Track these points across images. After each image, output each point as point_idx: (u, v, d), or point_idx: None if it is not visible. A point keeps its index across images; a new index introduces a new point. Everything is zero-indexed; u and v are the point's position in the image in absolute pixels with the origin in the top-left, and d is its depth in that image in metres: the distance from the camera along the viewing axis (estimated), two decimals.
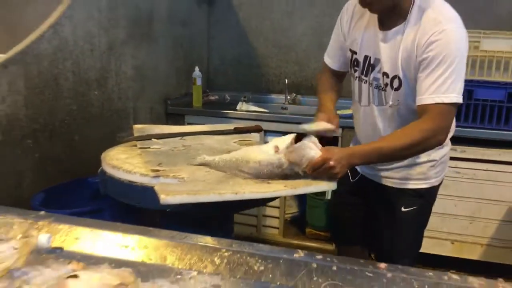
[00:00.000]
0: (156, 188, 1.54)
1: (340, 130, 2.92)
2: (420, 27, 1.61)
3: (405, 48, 1.64)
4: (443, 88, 1.56)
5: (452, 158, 2.89)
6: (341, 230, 2.17)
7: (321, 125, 1.73)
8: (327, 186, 1.58)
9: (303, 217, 3.48)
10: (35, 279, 0.77)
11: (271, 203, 3.16)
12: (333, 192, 2.04)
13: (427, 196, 1.87)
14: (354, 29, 1.84)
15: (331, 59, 1.99)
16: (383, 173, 1.89)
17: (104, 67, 2.63)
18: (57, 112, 2.32)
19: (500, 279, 1.04)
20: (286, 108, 3.70)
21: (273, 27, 3.82)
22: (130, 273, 0.86)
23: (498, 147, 2.83)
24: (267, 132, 3.15)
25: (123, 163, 1.84)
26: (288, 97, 3.73)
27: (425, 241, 2.01)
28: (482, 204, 2.91)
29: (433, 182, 1.86)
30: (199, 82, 3.49)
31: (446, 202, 2.93)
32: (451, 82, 1.56)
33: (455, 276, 1.06)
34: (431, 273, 1.08)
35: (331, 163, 1.54)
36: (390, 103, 1.73)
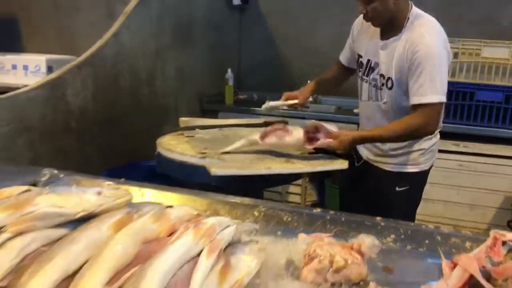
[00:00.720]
0: (206, 164, 1.94)
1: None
2: (410, 39, 2.01)
3: (398, 55, 2.04)
4: (427, 91, 1.94)
5: (454, 152, 3.27)
6: (347, 206, 2.54)
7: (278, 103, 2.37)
8: (340, 165, 1.97)
9: (322, 204, 3.85)
10: (144, 209, 1.17)
11: (293, 191, 3.55)
12: (342, 174, 2.44)
13: (418, 179, 2.26)
14: (362, 37, 2.25)
15: (343, 55, 2.47)
16: (382, 159, 2.27)
17: (152, 68, 3.05)
18: (116, 106, 2.76)
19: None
20: (308, 107, 4.07)
21: (298, 32, 4.20)
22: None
23: (496, 143, 3.17)
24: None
25: (175, 147, 2.25)
26: (311, 98, 4.10)
27: None
28: (481, 194, 3.26)
29: (423, 167, 2.25)
30: (231, 82, 3.90)
31: (449, 191, 3.28)
32: (433, 86, 1.94)
33: (445, 230, 1.43)
34: (417, 224, 1.46)
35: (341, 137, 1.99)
36: (385, 100, 2.14)
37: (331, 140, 2.02)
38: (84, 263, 0.96)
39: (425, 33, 1.98)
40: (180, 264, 0.96)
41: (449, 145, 3.25)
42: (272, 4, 4.26)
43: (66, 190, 1.14)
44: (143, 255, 0.99)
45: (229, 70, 3.89)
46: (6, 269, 0.95)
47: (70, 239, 1.01)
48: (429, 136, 2.18)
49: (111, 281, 0.91)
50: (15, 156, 2.08)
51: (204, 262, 0.99)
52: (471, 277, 1.14)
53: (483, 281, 1.12)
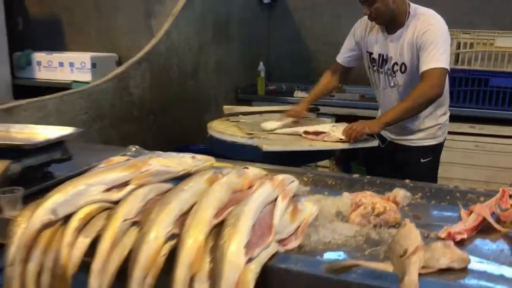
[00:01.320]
0: (256, 143, 2.27)
1: None
2: (417, 26, 2.35)
3: (408, 42, 2.38)
4: (434, 59, 2.27)
5: (471, 134, 3.54)
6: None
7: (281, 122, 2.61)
8: (372, 143, 2.28)
9: None
10: (224, 171, 1.49)
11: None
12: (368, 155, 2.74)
13: (437, 150, 2.60)
14: (369, 36, 2.57)
15: (341, 57, 2.79)
16: (405, 137, 2.59)
17: (196, 62, 3.38)
18: (167, 96, 3.09)
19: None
20: (333, 96, 4.37)
21: (323, 27, 4.49)
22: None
23: (509, 125, 3.44)
24: (319, 114, 3.84)
25: (225, 130, 2.58)
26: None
27: None
28: (495, 171, 3.53)
29: (440, 139, 2.60)
30: (262, 74, 4.21)
31: (467, 170, 3.55)
32: (439, 55, 2.27)
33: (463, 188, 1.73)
34: (440, 184, 1.76)
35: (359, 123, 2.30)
36: (401, 83, 2.45)
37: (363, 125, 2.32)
38: (192, 206, 1.28)
39: (430, 19, 2.36)
40: (263, 205, 1.28)
41: (466, 127, 3.52)
42: (298, 1, 4.55)
43: (169, 155, 1.47)
44: (233, 200, 1.31)
45: (261, 63, 4.19)
46: (137, 210, 1.29)
47: (180, 189, 1.34)
48: (443, 112, 2.54)
49: (215, 215, 1.23)
50: (90, 140, 2.42)
51: (280, 204, 1.31)
52: (484, 219, 1.45)
53: (493, 222, 1.42)
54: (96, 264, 1.19)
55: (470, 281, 1.13)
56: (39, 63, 4.85)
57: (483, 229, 1.44)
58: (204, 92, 3.52)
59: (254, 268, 1.12)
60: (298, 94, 4.22)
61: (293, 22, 4.59)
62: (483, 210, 1.47)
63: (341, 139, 2.28)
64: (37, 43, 5.09)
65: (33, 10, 5.30)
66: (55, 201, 1.28)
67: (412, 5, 2.44)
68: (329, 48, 4.50)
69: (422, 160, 2.53)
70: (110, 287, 1.18)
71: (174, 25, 3.08)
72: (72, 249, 1.24)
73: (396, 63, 2.46)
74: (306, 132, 2.36)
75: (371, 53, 2.58)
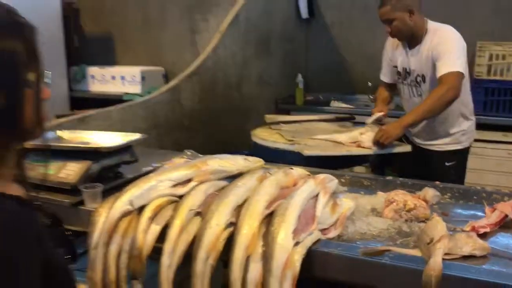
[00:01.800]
0: (297, 148, 2.46)
1: None
2: (432, 40, 2.55)
3: (426, 55, 2.56)
4: (449, 64, 2.44)
5: (504, 142, 3.62)
6: None
7: (375, 116, 2.71)
8: (404, 149, 2.44)
9: None
10: (273, 171, 1.69)
11: None
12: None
13: (461, 154, 2.73)
14: (395, 52, 2.78)
15: (383, 75, 2.98)
16: (431, 142, 2.73)
17: (240, 75, 3.61)
18: (214, 107, 3.33)
19: None
20: (368, 105, 4.51)
21: (358, 40, 4.65)
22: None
23: None
24: (355, 123, 3.99)
25: (268, 137, 2.78)
26: (371, 97, 4.54)
27: None
28: None
29: (464, 144, 2.72)
30: (300, 85, 4.40)
31: (500, 177, 3.63)
32: (454, 60, 2.44)
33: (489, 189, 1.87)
34: (467, 186, 1.91)
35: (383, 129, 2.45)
36: (425, 93, 2.62)
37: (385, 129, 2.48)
38: (246, 199, 1.49)
39: (444, 32, 2.55)
40: (307, 199, 1.47)
41: (499, 136, 3.61)
42: (335, 16, 4.73)
43: (224, 156, 1.68)
44: (281, 195, 1.51)
45: (299, 75, 4.39)
46: (199, 202, 1.50)
47: (235, 185, 1.55)
48: (467, 118, 2.69)
49: (267, 207, 1.43)
50: (149, 146, 2.67)
51: (322, 199, 1.50)
52: (506, 216, 1.59)
53: None
54: (167, 246, 1.40)
55: (489, 266, 1.28)
56: (93, 76, 5.18)
57: (506, 225, 1.59)
58: (247, 103, 3.74)
59: (300, 251, 1.31)
60: (335, 104, 4.39)
61: (330, 36, 4.77)
62: (506, 207, 1.62)
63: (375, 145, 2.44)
64: (91, 59, 5.43)
65: (87, 28, 5.65)
66: (132, 194, 1.51)
67: (430, 22, 2.64)
68: (364, 60, 4.67)
69: (446, 164, 2.66)
70: (178, 265, 1.40)
71: (220, 42, 3.32)
72: (146, 235, 1.46)
73: (418, 75, 2.66)
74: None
75: (396, 67, 2.80)
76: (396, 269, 1.26)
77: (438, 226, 1.38)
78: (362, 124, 3.87)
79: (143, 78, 4.90)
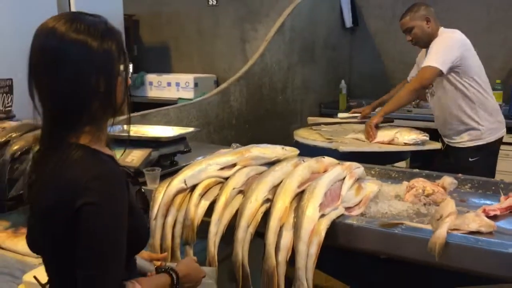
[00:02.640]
0: (334, 146, 2.67)
1: None
2: None
3: None
4: (429, 59, 2.66)
5: None
6: None
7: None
8: (434, 146, 2.61)
9: None
10: (305, 159, 1.92)
11: None
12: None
13: (484, 150, 2.82)
14: (422, 59, 2.95)
15: (410, 76, 3.27)
16: (456, 139, 2.87)
17: (285, 80, 3.86)
18: (260, 109, 3.59)
19: None
20: (411, 111, 4.63)
21: (400, 49, 4.78)
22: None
23: None
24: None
25: (308, 136, 3.01)
26: (413, 102, 4.66)
27: None
28: None
29: (487, 140, 2.82)
30: (344, 91, 4.60)
31: None
32: (434, 56, 2.66)
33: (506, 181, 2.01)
34: (486, 178, 2.06)
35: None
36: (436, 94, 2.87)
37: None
38: (281, 181, 1.73)
39: (442, 34, 2.79)
40: (334, 181, 1.70)
41: None
42: (378, 26, 4.90)
43: (265, 146, 1.93)
44: (312, 178, 1.73)
45: (343, 81, 4.58)
46: (242, 182, 1.76)
47: (273, 169, 1.79)
48: (484, 116, 2.81)
49: (299, 187, 1.66)
50: (200, 141, 2.96)
51: (347, 181, 1.72)
52: None
53: None
54: (214, 217, 1.67)
55: (491, 239, 1.45)
56: (150, 83, 5.57)
57: None
58: (291, 106, 3.98)
59: (326, 222, 1.53)
60: (377, 109, 4.54)
61: (373, 44, 4.94)
62: None
63: (405, 143, 2.62)
64: (149, 66, 5.83)
65: (146, 39, 6.07)
66: (186, 175, 1.79)
67: (441, 29, 2.84)
68: (405, 67, 4.78)
69: (470, 160, 2.79)
70: (223, 233, 1.66)
71: (267, 49, 3.58)
72: (197, 208, 1.73)
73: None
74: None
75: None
76: (407, 238, 1.46)
77: (448, 206, 1.56)
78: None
79: (196, 84, 5.26)
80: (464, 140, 2.84)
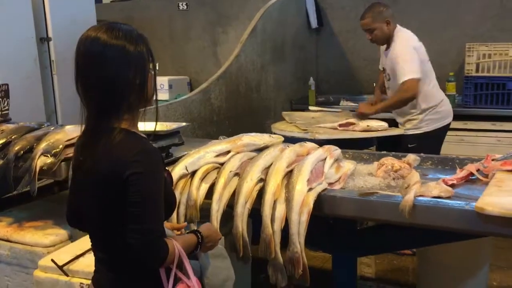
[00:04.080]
0: (310, 136, 2.94)
1: None
2: (392, 48, 3.16)
3: (389, 59, 3.15)
4: (406, 71, 2.99)
5: (493, 131, 4.04)
6: None
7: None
8: (399, 131, 2.92)
9: None
10: (289, 144, 2.17)
11: None
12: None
13: (421, 138, 3.17)
14: (380, 52, 3.33)
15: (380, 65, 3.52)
16: (402, 127, 3.26)
17: (259, 79, 4.11)
18: (237, 106, 3.83)
19: None
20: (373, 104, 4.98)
21: (363, 46, 5.09)
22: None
23: None
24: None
25: (285, 128, 3.27)
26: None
27: None
28: None
29: (424, 129, 3.20)
30: (312, 87, 4.88)
31: None
32: (407, 68, 2.99)
33: (462, 157, 2.33)
34: (444, 155, 2.36)
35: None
36: (389, 87, 3.22)
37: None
38: (271, 163, 1.97)
39: (398, 42, 3.14)
40: (317, 161, 1.95)
41: (489, 125, 4.03)
42: (341, 26, 5.21)
43: (255, 134, 2.17)
44: (297, 159, 1.98)
45: (311, 78, 4.86)
46: (237, 166, 1.99)
47: (262, 154, 2.03)
48: (422, 110, 3.16)
49: (287, 167, 1.91)
50: (187, 137, 3.17)
51: (329, 160, 1.98)
52: (471, 173, 2.04)
53: (476, 173, 2.01)
54: (215, 196, 1.89)
55: (449, 200, 1.73)
56: None
57: (472, 181, 2.03)
58: (265, 103, 4.23)
59: (313, 194, 1.79)
60: (344, 103, 4.85)
61: (338, 43, 5.25)
62: (471, 167, 2.07)
63: (368, 126, 2.92)
64: None
65: None
66: (186, 162, 2.01)
67: (397, 27, 3.19)
68: (368, 63, 5.12)
69: (409, 146, 3.13)
70: (223, 210, 1.89)
71: (242, 51, 3.82)
72: (198, 191, 1.95)
73: (387, 73, 3.25)
74: (340, 125, 3.03)
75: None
76: (382, 204, 1.73)
77: (414, 176, 1.85)
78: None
79: (170, 86, 5.44)
80: (407, 128, 3.21)
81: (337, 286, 2.22)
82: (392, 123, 3.33)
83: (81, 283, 1.98)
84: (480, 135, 4.06)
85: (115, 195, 1.29)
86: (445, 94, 4.18)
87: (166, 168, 1.50)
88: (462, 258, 2.43)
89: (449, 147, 4.06)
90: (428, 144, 3.18)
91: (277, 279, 1.79)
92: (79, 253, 2.09)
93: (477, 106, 4.07)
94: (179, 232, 1.58)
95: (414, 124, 3.22)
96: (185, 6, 5.90)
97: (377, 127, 2.94)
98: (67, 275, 2.04)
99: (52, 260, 2.05)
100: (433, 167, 2.28)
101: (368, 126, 2.93)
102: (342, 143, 2.90)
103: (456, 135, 4.13)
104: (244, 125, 3.90)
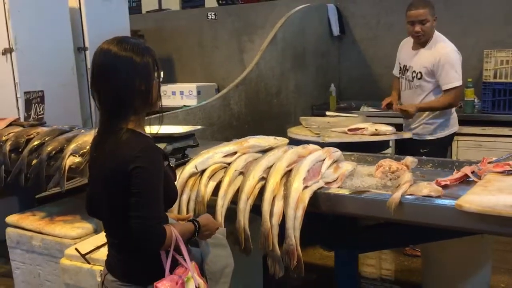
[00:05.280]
0: (321, 139, 3.06)
1: None
2: (436, 50, 3.18)
3: (426, 58, 3.19)
4: (452, 79, 3.08)
5: (510, 136, 4.03)
6: None
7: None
8: (407, 135, 3.00)
9: None
10: (294, 146, 2.30)
11: None
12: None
13: (435, 144, 3.25)
14: (401, 53, 3.46)
15: (395, 69, 3.64)
16: (414, 131, 3.31)
17: (279, 85, 4.25)
18: (257, 111, 3.98)
19: None
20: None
21: (384, 54, 5.17)
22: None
23: None
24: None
25: (300, 133, 3.40)
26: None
27: None
28: None
29: (438, 135, 3.27)
30: (334, 93, 4.98)
31: None
32: (453, 75, 3.08)
33: (461, 159, 2.40)
34: (445, 159, 2.44)
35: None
36: (417, 84, 3.27)
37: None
38: (273, 163, 2.11)
39: (443, 45, 3.17)
40: (316, 161, 2.08)
41: (507, 130, 4.03)
42: (363, 33, 5.30)
43: (260, 136, 2.32)
44: (298, 160, 2.12)
45: (332, 85, 4.97)
46: (242, 166, 2.14)
47: (266, 155, 2.17)
48: (430, 117, 3.26)
49: (287, 166, 2.05)
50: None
51: (327, 161, 2.10)
52: (466, 175, 2.12)
53: (470, 175, 2.09)
54: (221, 193, 2.05)
55: (435, 199, 1.82)
56: None
57: (470, 182, 2.10)
58: (285, 108, 4.37)
59: (308, 192, 1.92)
60: (364, 109, 4.93)
61: (360, 50, 5.33)
62: (466, 169, 2.15)
63: (376, 130, 3.01)
64: None
65: None
66: (196, 161, 2.18)
67: (436, 32, 3.25)
68: (389, 70, 5.13)
69: (421, 151, 3.19)
70: (228, 206, 2.04)
71: (262, 58, 3.98)
72: (206, 188, 2.11)
73: (414, 71, 3.28)
74: (349, 130, 3.13)
75: (400, 64, 3.50)
76: (371, 201, 1.84)
77: (405, 176, 1.95)
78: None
79: (198, 92, 5.66)
80: (419, 133, 3.29)
81: (339, 282, 2.33)
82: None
83: (101, 270, 2.16)
84: (498, 140, 4.07)
85: (121, 186, 1.47)
86: (464, 100, 4.26)
87: (171, 165, 1.68)
88: (464, 257, 2.50)
89: (467, 152, 4.09)
90: (439, 150, 3.26)
91: (275, 270, 1.92)
92: (100, 244, 2.29)
93: (495, 112, 4.08)
94: (183, 223, 1.75)
95: (429, 130, 3.30)
96: (214, 16, 6.13)
97: (385, 131, 3.03)
98: (89, 263, 2.25)
99: (76, 249, 2.25)
100: (432, 169, 2.36)
101: (376, 130, 3.02)
102: (353, 147, 3.03)
103: (475, 141, 4.15)
104: (264, 129, 4.03)
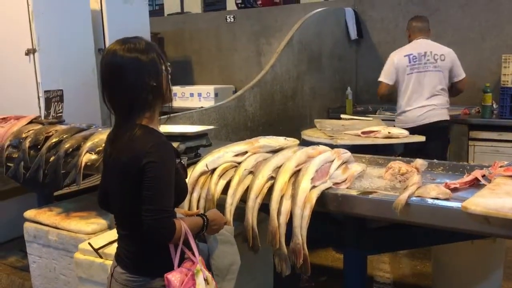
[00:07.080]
0: (334, 142, 3.07)
1: None
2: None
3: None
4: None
5: None
6: None
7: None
8: (419, 139, 2.99)
9: None
10: (304, 147, 2.32)
11: None
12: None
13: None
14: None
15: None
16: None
17: (294, 88, 4.27)
18: (272, 113, 4.01)
19: None
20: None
21: None
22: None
23: None
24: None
25: (313, 135, 3.41)
26: None
27: None
28: None
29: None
30: (350, 97, 4.98)
31: None
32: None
33: (472, 163, 2.40)
34: (455, 162, 2.43)
35: None
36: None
37: None
38: (283, 163, 2.13)
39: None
40: (324, 162, 2.09)
41: None
42: (380, 37, 5.28)
43: (270, 137, 2.35)
44: (307, 160, 2.14)
45: (349, 88, 4.97)
46: (251, 165, 2.17)
47: (277, 155, 2.20)
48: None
49: (296, 166, 2.07)
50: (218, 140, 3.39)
51: (336, 162, 2.12)
52: (476, 179, 2.11)
53: (480, 178, 2.08)
54: (230, 192, 2.08)
55: (441, 201, 1.82)
56: (175, 94, 6.02)
57: (479, 186, 2.09)
58: (300, 111, 4.39)
59: (316, 192, 1.94)
60: (380, 112, 4.92)
61: (377, 54, 5.32)
62: (477, 173, 2.14)
63: (389, 133, 3.01)
64: (174, 79, 6.28)
65: (170, 54, 6.53)
66: (207, 160, 2.21)
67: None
68: None
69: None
70: (237, 204, 2.07)
71: (278, 60, 4.01)
72: (216, 186, 2.14)
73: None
74: (362, 132, 3.13)
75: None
76: (378, 202, 1.85)
77: (413, 177, 1.95)
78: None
79: (216, 94, 5.72)
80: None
81: (347, 284, 2.34)
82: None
83: None
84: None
85: (133, 180, 1.52)
86: (482, 105, 4.22)
87: (182, 162, 1.72)
88: (475, 262, 2.48)
89: (484, 157, 4.04)
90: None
91: (282, 268, 1.95)
92: (113, 239, 2.34)
93: (508, 117, 4.04)
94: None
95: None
96: (232, 19, 6.20)
97: (398, 134, 3.03)
98: (101, 257, 2.30)
99: (89, 244, 2.31)
100: (443, 173, 2.35)
101: (389, 133, 3.02)
102: (366, 150, 3.03)
103: (492, 146, 4.11)
104: (278, 131, 4.06)
